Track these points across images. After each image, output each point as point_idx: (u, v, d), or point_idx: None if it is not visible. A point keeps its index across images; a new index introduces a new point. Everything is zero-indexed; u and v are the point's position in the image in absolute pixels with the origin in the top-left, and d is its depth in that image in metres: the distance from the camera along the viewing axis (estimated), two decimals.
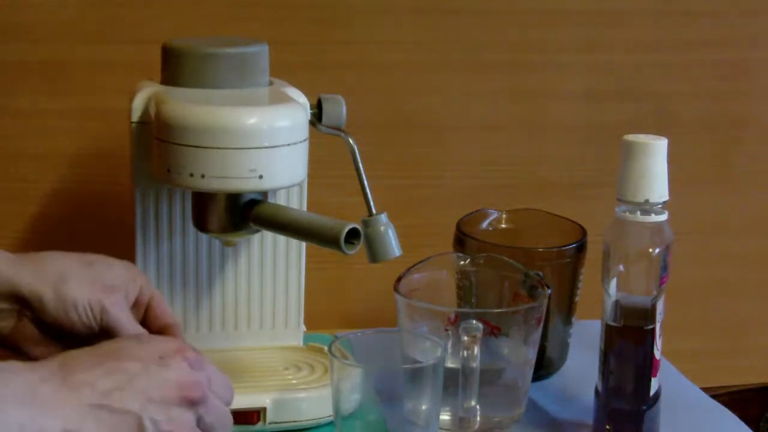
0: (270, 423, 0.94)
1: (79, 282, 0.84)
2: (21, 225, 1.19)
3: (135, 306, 0.88)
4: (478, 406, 0.92)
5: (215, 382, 0.76)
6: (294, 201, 1.01)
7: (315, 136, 0.94)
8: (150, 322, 0.89)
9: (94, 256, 0.88)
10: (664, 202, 0.92)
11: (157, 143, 0.90)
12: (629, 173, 0.91)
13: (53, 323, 0.84)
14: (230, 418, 0.77)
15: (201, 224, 0.95)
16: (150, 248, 1.00)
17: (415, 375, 0.86)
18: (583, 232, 1.08)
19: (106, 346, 0.76)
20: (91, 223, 1.20)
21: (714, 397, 1.09)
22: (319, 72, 1.19)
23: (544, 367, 1.08)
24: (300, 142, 0.91)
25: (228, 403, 0.77)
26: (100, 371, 0.71)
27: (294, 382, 0.98)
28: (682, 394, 1.06)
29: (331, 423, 0.92)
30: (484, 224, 1.12)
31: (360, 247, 0.89)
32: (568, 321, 1.10)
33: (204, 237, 1.00)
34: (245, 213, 0.92)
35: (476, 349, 0.91)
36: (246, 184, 0.88)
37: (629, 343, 0.93)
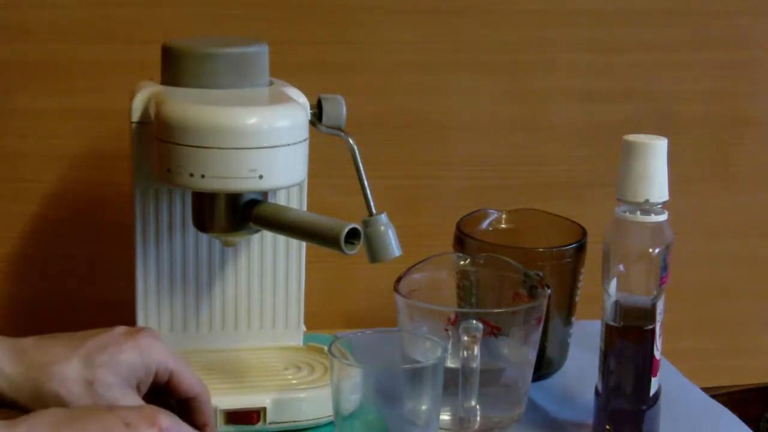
0: (270, 423, 0.94)
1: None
2: (21, 225, 1.19)
3: (154, 383, 0.84)
4: (478, 406, 0.93)
5: None
6: (294, 201, 1.01)
7: (315, 136, 0.94)
8: (173, 395, 0.85)
9: (102, 346, 0.82)
10: (664, 202, 0.92)
11: (157, 143, 0.90)
12: (629, 173, 0.91)
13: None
14: None
15: (201, 224, 0.95)
16: (150, 248, 1.00)
17: (415, 375, 0.86)
18: (583, 232, 1.08)
19: (73, 411, 0.74)
20: (91, 223, 1.20)
21: (714, 397, 1.09)
22: (319, 72, 1.19)
23: (544, 367, 1.08)
24: (300, 142, 0.91)
25: None
26: None
27: (294, 382, 0.98)
28: (682, 394, 1.06)
29: (331, 423, 0.92)
30: (484, 224, 1.12)
31: (360, 247, 0.89)
32: (568, 321, 1.10)
33: (204, 237, 1.00)
34: (245, 213, 0.92)
35: (476, 349, 0.91)
36: (246, 184, 0.88)
37: (629, 343, 0.93)
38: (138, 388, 0.83)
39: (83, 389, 0.80)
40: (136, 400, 0.82)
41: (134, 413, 0.74)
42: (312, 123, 0.95)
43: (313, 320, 1.09)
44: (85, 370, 0.81)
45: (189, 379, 0.85)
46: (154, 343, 0.84)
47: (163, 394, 0.85)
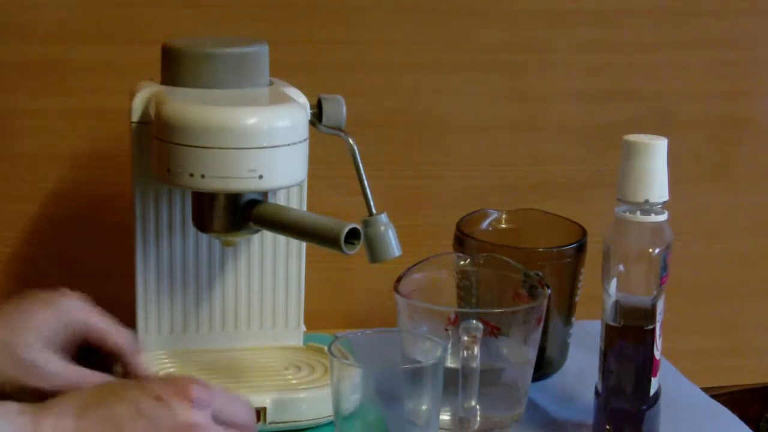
0: (270, 423, 0.94)
1: None
2: (21, 225, 1.19)
3: (83, 341, 0.85)
4: (478, 406, 0.93)
5: (227, 408, 0.74)
6: (294, 201, 1.01)
7: (315, 136, 0.94)
8: (104, 354, 0.85)
9: (19, 310, 0.83)
10: (664, 202, 0.92)
11: (157, 143, 0.90)
12: (629, 173, 0.91)
13: None
14: None
15: (201, 224, 0.95)
16: (150, 248, 1.00)
17: (415, 375, 0.86)
18: (583, 232, 1.08)
19: (100, 390, 0.74)
20: (91, 223, 1.20)
21: (714, 397, 1.09)
22: (319, 72, 1.19)
23: (544, 367, 1.08)
24: (300, 142, 0.91)
25: (247, 425, 0.75)
26: (84, 424, 0.69)
27: (294, 382, 0.98)
28: (682, 394, 1.06)
29: (331, 423, 0.92)
30: (484, 224, 1.12)
31: (360, 247, 0.89)
32: (568, 321, 1.10)
33: (204, 237, 1.00)
34: (245, 213, 0.92)
35: (476, 349, 0.91)
36: (246, 184, 0.88)
37: (629, 343, 0.93)
38: (63, 350, 0.83)
39: (3, 352, 0.80)
40: (63, 363, 0.82)
41: (164, 386, 0.73)
42: (312, 123, 0.95)
43: (313, 320, 1.09)
44: (2, 333, 0.81)
45: (112, 332, 0.85)
46: (73, 302, 0.85)
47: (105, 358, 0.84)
